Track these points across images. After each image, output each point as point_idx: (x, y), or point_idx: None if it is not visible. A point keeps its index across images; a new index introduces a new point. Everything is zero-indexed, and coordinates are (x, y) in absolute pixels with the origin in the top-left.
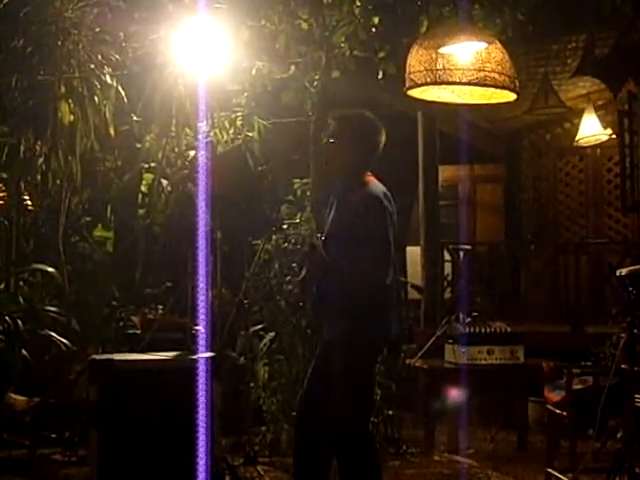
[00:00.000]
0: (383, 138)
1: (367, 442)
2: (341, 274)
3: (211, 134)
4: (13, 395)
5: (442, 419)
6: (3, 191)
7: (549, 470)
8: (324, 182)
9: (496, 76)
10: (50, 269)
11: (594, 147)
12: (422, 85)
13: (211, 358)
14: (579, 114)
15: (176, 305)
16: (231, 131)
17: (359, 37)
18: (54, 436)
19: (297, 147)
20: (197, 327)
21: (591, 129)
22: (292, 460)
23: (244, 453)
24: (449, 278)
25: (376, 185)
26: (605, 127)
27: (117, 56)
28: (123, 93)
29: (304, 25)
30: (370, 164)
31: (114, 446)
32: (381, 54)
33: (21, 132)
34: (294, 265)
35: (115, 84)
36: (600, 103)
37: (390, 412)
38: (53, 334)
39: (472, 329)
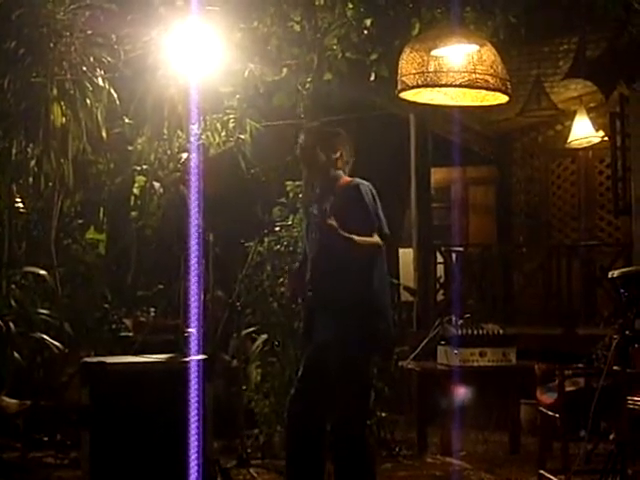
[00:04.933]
0: (345, 144)
1: (364, 442)
2: (343, 260)
3: (203, 137)
4: (5, 398)
5: (435, 421)
6: None
7: (541, 472)
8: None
9: (488, 78)
10: (42, 272)
11: (586, 149)
12: (414, 87)
13: (203, 360)
14: (571, 116)
15: (168, 307)
16: (223, 133)
17: (351, 39)
18: (46, 439)
19: (289, 149)
20: (189, 329)
21: (583, 131)
22: (285, 462)
23: (237, 455)
24: (441, 280)
25: (359, 179)
26: (597, 129)
27: (109, 58)
28: (115, 95)
29: (296, 27)
30: (336, 166)
31: (106, 449)
32: (373, 56)
33: (13, 134)
34: (286, 267)
35: (107, 86)
36: (592, 105)
37: (383, 414)
38: (45, 337)
39: (464, 331)
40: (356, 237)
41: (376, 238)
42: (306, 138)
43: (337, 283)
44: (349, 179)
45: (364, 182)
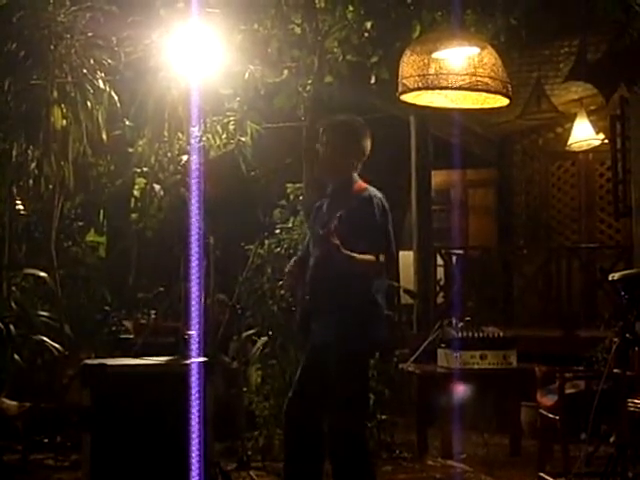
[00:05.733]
0: (369, 143)
1: (363, 445)
2: (344, 271)
3: (204, 139)
4: (5, 400)
5: (435, 424)
6: None
7: (542, 474)
8: (317, 186)
9: (488, 81)
10: (42, 274)
11: (586, 152)
12: (414, 90)
13: (204, 363)
14: (571, 119)
15: (169, 310)
16: (224, 136)
17: (352, 42)
18: (46, 441)
19: (290, 152)
20: (190, 332)
21: (583, 134)
22: (284, 464)
23: (237, 458)
24: (442, 283)
25: (374, 189)
26: (597, 132)
27: (110, 61)
28: (116, 98)
29: (297, 30)
30: (358, 168)
31: (106, 451)
32: (374, 59)
33: (13, 136)
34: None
35: (108, 89)
36: (592, 108)
37: (383, 417)
38: (45, 339)
39: (465, 334)
40: (358, 256)
41: (381, 258)
42: (328, 133)
43: (338, 285)
44: (364, 186)
45: (378, 194)
